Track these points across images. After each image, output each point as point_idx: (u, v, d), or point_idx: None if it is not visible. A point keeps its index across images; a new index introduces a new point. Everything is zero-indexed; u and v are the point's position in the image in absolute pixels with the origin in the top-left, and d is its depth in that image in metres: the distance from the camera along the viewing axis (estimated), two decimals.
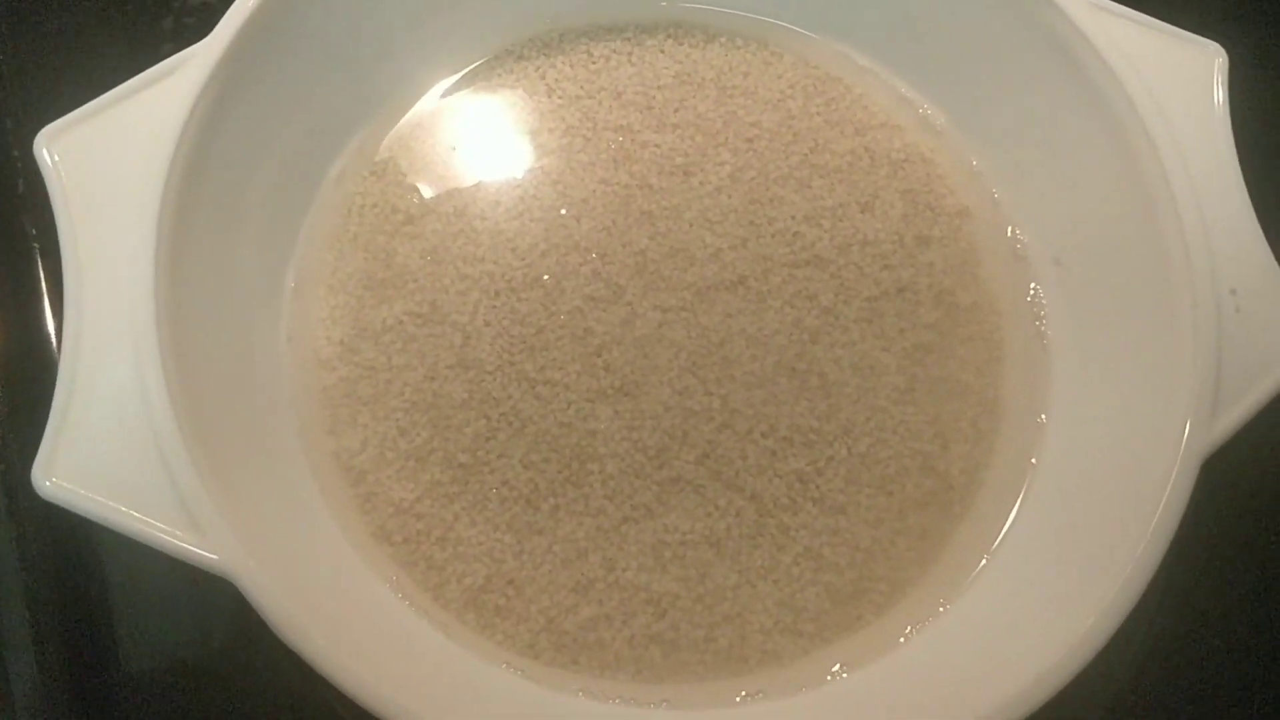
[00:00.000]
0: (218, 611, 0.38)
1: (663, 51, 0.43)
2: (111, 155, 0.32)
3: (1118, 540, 0.32)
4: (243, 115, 0.34)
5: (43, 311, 0.42)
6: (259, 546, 0.29)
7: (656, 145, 0.41)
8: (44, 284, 0.42)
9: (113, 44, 0.47)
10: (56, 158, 0.31)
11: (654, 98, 0.42)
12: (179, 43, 0.46)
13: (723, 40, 0.43)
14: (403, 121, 0.41)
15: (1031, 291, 0.40)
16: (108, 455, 0.29)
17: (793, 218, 0.41)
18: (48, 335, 0.42)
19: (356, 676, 0.27)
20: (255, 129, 0.35)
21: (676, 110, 0.42)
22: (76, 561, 0.39)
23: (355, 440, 0.37)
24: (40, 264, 0.43)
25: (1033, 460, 0.38)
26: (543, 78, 0.42)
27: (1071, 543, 0.34)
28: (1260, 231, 0.35)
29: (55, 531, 0.38)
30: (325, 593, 0.32)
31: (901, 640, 0.35)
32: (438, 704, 0.28)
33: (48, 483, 0.28)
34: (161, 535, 0.28)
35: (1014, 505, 0.37)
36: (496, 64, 0.42)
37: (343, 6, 0.37)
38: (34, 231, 0.43)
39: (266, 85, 0.35)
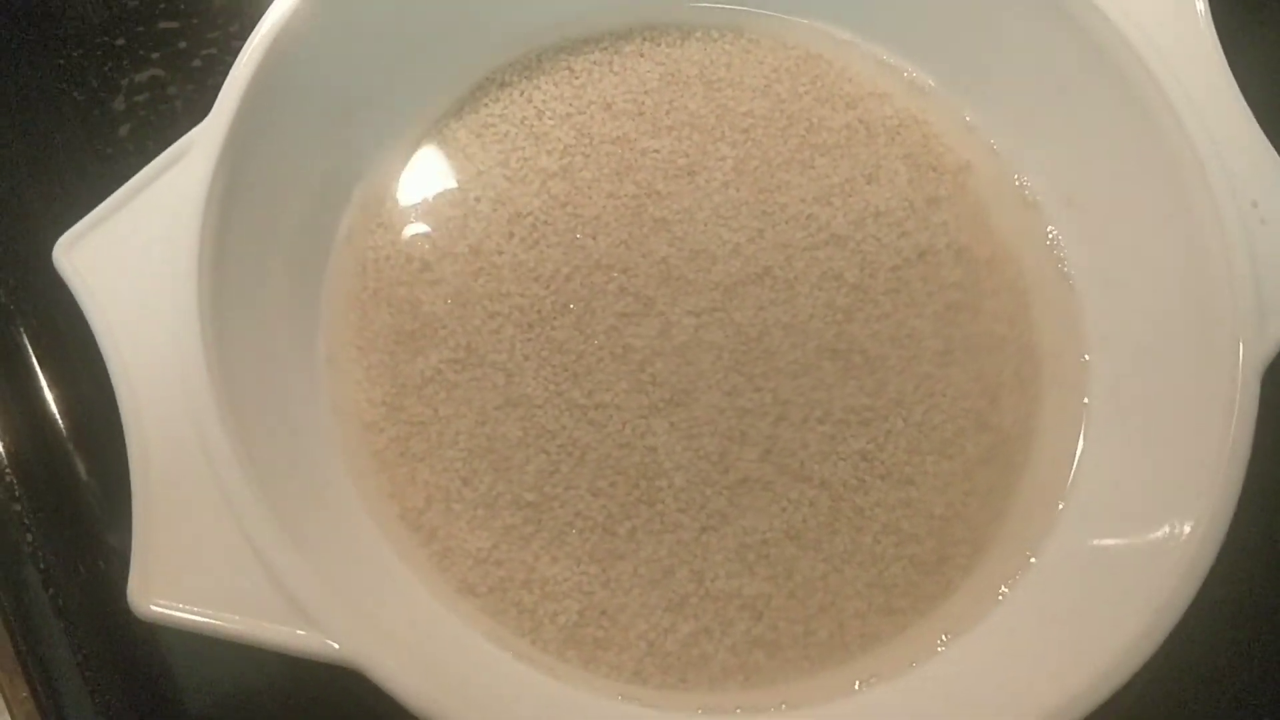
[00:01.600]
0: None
1: (642, 55, 0.42)
2: (133, 255, 0.30)
3: (1195, 460, 0.33)
4: (253, 191, 0.33)
5: (47, 406, 0.40)
6: (369, 627, 0.28)
7: (656, 150, 0.41)
8: (43, 381, 0.41)
9: (67, 134, 0.45)
10: (79, 267, 0.30)
11: (644, 103, 0.42)
12: (135, 122, 0.45)
13: (698, 35, 0.43)
14: (400, 167, 0.40)
15: (1049, 235, 0.41)
16: (200, 565, 0.28)
17: (803, 200, 0.41)
18: (57, 425, 0.40)
19: None
20: (266, 202, 0.34)
21: (668, 112, 0.42)
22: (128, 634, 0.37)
23: (419, 499, 0.36)
24: (38, 368, 0.41)
25: (1085, 400, 0.38)
26: (530, 101, 0.41)
27: (1147, 471, 0.35)
28: (1267, 140, 0.36)
29: (101, 605, 0.37)
30: (435, 658, 0.31)
31: (1000, 598, 0.35)
32: None
33: (151, 607, 0.27)
34: (280, 637, 0.27)
35: (1076, 446, 0.38)
36: (481, 94, 0.41)
37: (325, 64, 0.36)
38: (26, 340, 0.41)
39: (269, 156, 0.34)
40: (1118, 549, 0.34)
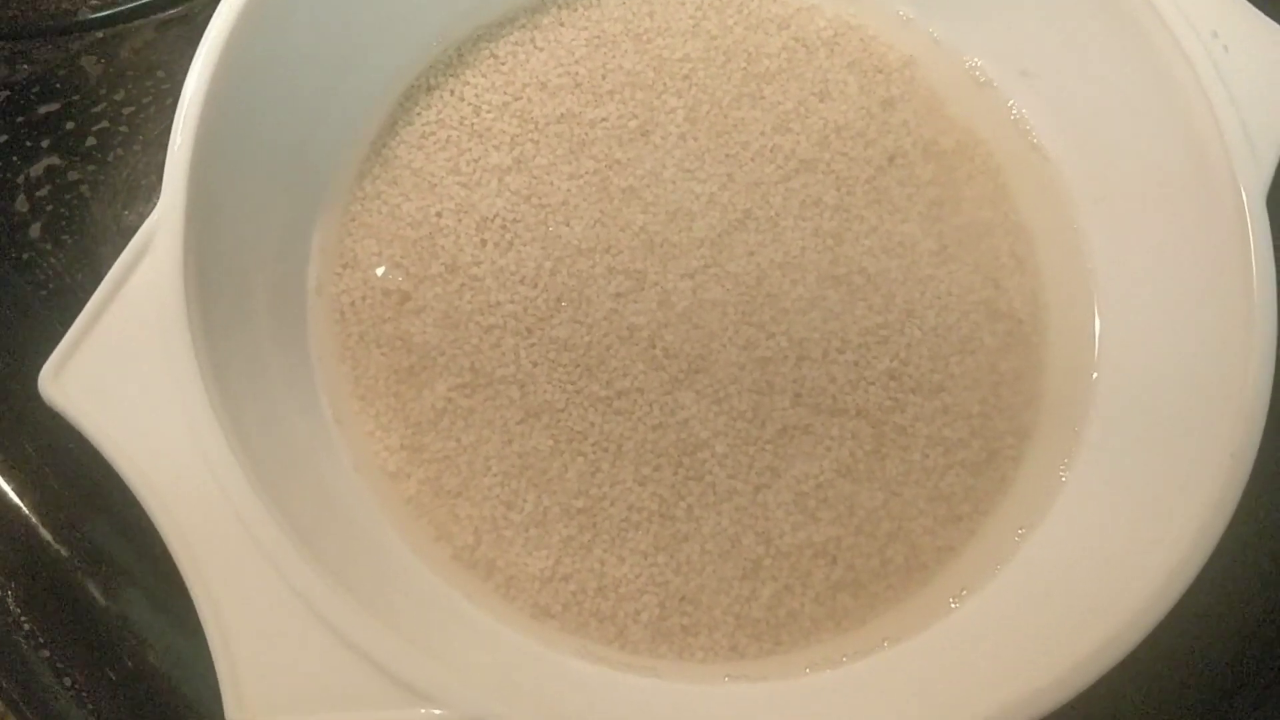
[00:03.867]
0: None
1: (562, 24, 0.41)
2: (123, 367, 0.28)
3: (1223, 298, 0.33)
4: (222, 269, 0.31)
5: (44, 541, 0.38)
6: (474, 683, 0.27)
7: (604, 119, 0.39)
8: (30, 514, 0.38)
9: None
10: (71, 393, 0.27)
11: (578, 73, 0.40)
12: (44, 218, 0.42)
13: None
14: (350, 201, 0.37)
15: (1011, 110, 0.40)
16: (288, 669, 0.26)
17: (763, 133, 0.40)
18: (60, 556, 0.38)
19: None
20: (236, 277, 0.32)
21: (605, 76, 0.40)
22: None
23: (467, 535, 0.35)
24: (20, 503, 0.38)
25: (1089, 265, 0.38)
26: (462, 99, 0.39)
27: (1175, 321, 0.35)
28: None
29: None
30: (541, 692, 0.30)
31: (1062, 481, 0.35)
32: None
33: None
34: None
35: (1092, 314, 0.38)
36: (410, 104, 0.39)
37: (254, 117, 0.33)
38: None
39: (229, 229, 0.31)
40: (1168, 404, 0.34)
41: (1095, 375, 0.37)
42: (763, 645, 0.34)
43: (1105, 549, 0.33)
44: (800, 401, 0.36)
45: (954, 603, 0.34)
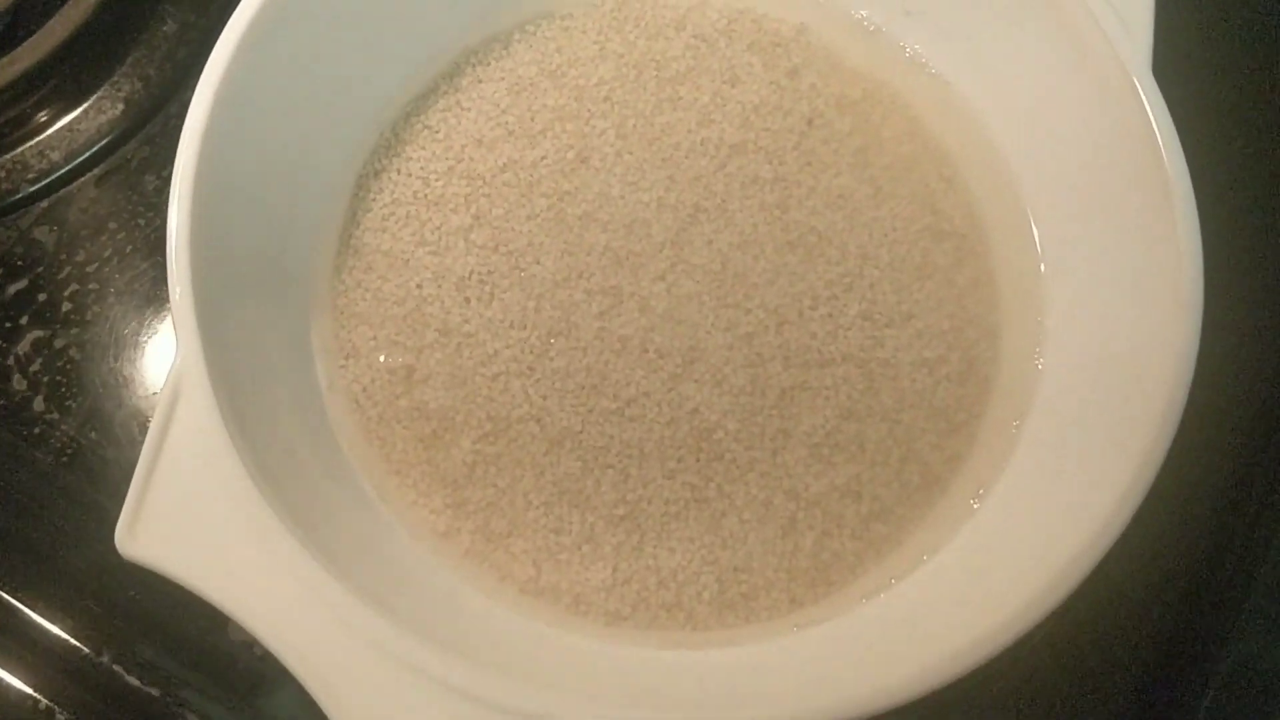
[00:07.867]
0: None
1: (481, 80, 0.43)
2: (188, 505, 0.30)
3: (1135, 160, 0.36)
4: (248, 397, 0.33)
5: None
6: (583, 693, 0.30)
7: (543, 158, 0.42)
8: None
9: None
10: (150, 545, 0.30)
11: (508, 122, 0.42)
12: (44, 390, 0.44)
13: (517, 37, 0.44)
14: (334, 295, 0.40)
15: (905, 50, 0.43)
16: None
17: (689, 131, 0.43)
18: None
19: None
20: (261, 401, 0.34)
21: (533, 118, 0.42)
22: None
23: (528, 568, 0.37)
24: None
25: (1011, 171, 0.41)
26: (409, 175, 0.42)
27: (1098, 194, 0.38)
28: None
29: None
30: (645, 689, 0.33)
31: (1039, 367, 0.39)
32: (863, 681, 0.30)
33: None
34: None
35: (1026, 213, 0.41)
36: (364, 193, 0.41)
37: (237, 243, 0.35)
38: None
39: (242, 360, 0.34)
40: (1115, 274, 0.37)
41: (1043, 268, 0.40)
42: (817, 590, 0.37)
43: (1094, 415, 0.36)
44: (791, 363, 0.39)
45: (975, 503, 0.37)
